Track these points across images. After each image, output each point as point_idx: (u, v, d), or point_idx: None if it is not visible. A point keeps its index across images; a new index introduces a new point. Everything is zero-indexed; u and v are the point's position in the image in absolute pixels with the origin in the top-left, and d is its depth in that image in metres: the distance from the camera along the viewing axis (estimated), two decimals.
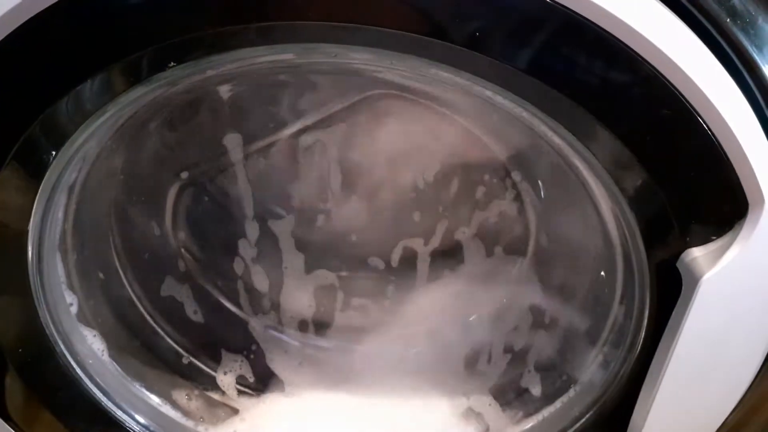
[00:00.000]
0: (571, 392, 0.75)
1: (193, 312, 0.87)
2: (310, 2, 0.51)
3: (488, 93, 0.56)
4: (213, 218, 0.85)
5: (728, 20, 0.51)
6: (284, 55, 0.57)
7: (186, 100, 0.72)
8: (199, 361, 0.86)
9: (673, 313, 0.58)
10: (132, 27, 0.52)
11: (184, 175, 0.80)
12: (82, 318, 0.74)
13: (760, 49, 0.52)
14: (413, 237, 0.85)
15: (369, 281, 0.88)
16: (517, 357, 0.84)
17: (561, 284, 0.81)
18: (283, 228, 0.85)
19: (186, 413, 0.81)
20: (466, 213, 0.83)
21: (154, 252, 0.84)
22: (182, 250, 0.86)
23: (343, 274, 0.88)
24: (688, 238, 0.55)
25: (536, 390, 0.81)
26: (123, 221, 0.80)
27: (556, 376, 0.78)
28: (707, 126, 0.51)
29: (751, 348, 0.60)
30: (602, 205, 0.65)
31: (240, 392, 0.87)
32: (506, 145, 0.77)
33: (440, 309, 0.88)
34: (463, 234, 0.84)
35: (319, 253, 0.86)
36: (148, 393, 0.79)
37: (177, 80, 0.58)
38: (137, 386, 0.78)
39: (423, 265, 0.86)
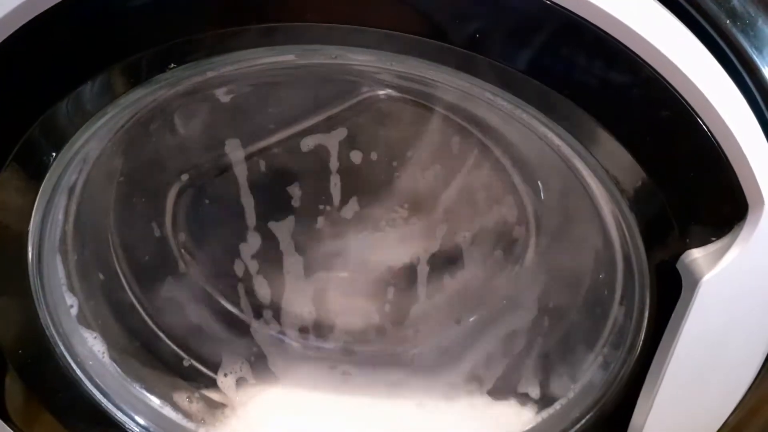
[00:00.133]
0: (571, 393, 0.75)
1: (193, 313, 0.87)
2: (310, 4, 0.51)
3: (488, 94, 0.57)
4: (213, 220, 0.85)
5: (728, 21, 0.51)
6: (285, 56, 0.57)
7: (186, 101, 0.72)
8: (199, 363, 0.86)
9: (673, 314, 0.58)
10: (132, 28, 0.53)
11: (185, 176, 0.80)
12: (83, 319, 0.74)
13: (759, 50, 0.52)
14: (413, 239, 0.85)
15: (369, 283, 0.88)
16: (516, 358, 0.84)
17: (561, 285, 0.81)
18: (283, 230, 0.84)
19: (187, 415, 0.81)
20: (466, 215, 0.83)
21: (155, 253, 0.84)
22: (182, 251, 0.86)
23: (344, 276, 0.88)
24: (687, 239, 0.55)
25: (535, 392, 0.81)
26: (123, 223, 0.80)
27: (556, 378, 0.78)
28: (707, 127, 0.51)
29: (751, 349, 0.60)
30: (602, 206, 0.65)
31: (241, 394, 0.87)
32: (506, 146, 0.77)
33: (440, 310, 0.88)
34: (462, 238, 0.84)
35: (320, 255, 0.86)
36: (148, 394, 0.79)
37: (177, 82, 0.58)
38: (138, 388, 0.78)
39: (423, 267, 0.86)
